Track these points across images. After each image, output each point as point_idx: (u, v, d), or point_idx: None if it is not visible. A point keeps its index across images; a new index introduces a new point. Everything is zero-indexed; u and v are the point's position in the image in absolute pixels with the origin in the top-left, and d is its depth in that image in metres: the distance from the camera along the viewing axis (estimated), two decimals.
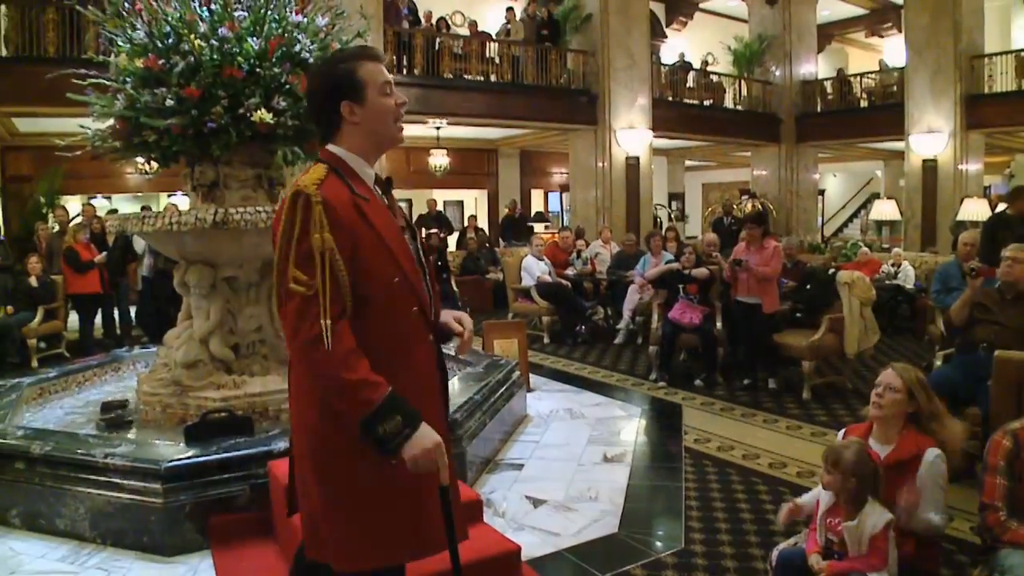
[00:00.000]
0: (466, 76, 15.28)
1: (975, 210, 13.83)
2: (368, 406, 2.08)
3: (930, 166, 16.27)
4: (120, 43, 5.32)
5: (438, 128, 15.81)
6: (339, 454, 2.22)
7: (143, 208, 11.75)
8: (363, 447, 2.16)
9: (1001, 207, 10.58)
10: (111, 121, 5.36)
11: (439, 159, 17.03)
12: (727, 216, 14.59)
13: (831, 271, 8.38)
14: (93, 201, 16.27)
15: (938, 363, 5.94)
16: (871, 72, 20.24)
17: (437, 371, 2.46)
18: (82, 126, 5.57)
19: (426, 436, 2.13)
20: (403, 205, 17.19)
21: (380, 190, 2.37)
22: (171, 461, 4.23)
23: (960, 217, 14.03)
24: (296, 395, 2.33)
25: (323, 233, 2.10)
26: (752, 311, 7.68)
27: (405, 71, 14.20)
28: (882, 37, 23.34)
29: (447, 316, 2.54)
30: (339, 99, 2.27)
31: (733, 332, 8.13)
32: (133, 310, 11.49)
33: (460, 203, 21.95)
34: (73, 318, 10.67)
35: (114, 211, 13.61)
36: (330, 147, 2.33)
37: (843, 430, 3.58)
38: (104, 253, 10.47)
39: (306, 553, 2.37)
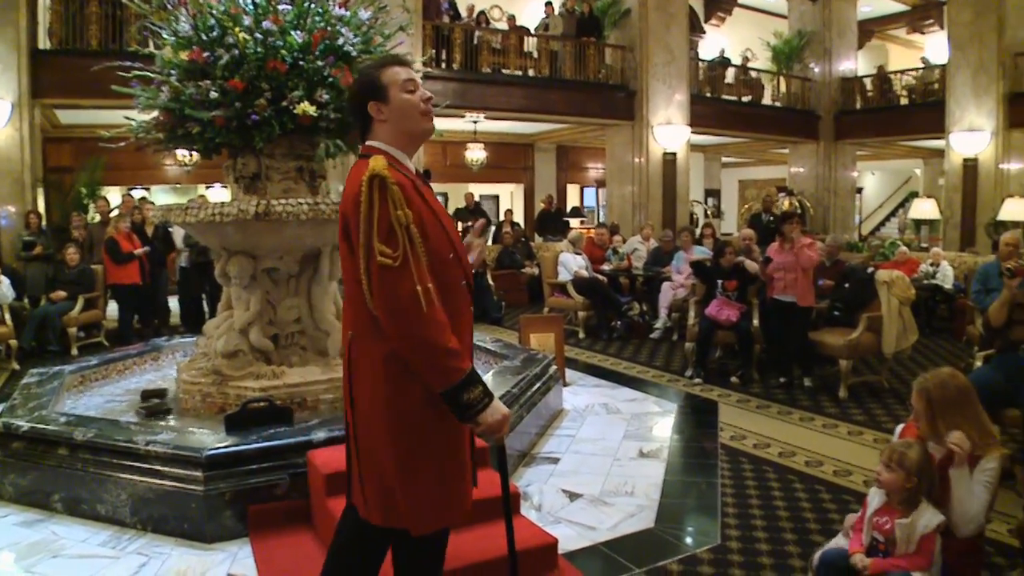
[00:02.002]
0: (504, 71, 15.29)
1: (1016, 210, 13.65)
2: (460, 374, 2.35)
3: (971, 165, 16.02)
4: (165, 36, 5.39)
5: (475, 122, 15.81)
6: (411, 424, 2.44)
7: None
8: (428, 416, 2.43)
9: None
10: (155, 113, 5.43)
11: (476, 153, 17.04)
12: (766, 213, 14.43)
13: (869, 270, 8.30)
14: (132, 192, 16.48)
15: (978, 364, 5.87)
16: (912, 69, 19.97)
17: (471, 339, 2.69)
18: (127, 117, 5.65)
19: (499, 407, 2.43)
20: (439, 199, 17.56)
21: (422, 180, 2.59)
22: (212, 449, 4.29)
23: (1001, 217, 13.85)
24: (362, 370, 2.49)
25: (404, 210, 2.34)
26: (788, 309, 7.63)
27: (444, 65, 14.23)
28: (923, 34, 23.02)
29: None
30: (366, 100, 2.56)
31: (769, 330, 8.08)
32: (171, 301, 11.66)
33: (496, 197, 21.98)
34: (112, 307, 10.81)
35: (149, 201, 13.77)
36: (370, 142, 2.58)
37: (900, 427, 3.56)
38: (146, 247, 10.59)
39: (379, 522, 2.54)
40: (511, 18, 16.99)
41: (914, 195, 22.91)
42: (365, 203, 2.33)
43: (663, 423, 6.59)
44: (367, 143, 2.58)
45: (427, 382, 2.36)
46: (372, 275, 2.33)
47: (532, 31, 16.58)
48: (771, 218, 13.90)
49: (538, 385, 6.10)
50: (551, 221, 17.33)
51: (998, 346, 5.45)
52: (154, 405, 5.51)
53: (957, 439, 3.10)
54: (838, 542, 3.35)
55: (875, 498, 3.19)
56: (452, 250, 2.51)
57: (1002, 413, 5.12)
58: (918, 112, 18.26)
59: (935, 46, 20.96)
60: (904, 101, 19.33)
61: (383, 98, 2.54)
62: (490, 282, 12.74)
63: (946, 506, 3.09)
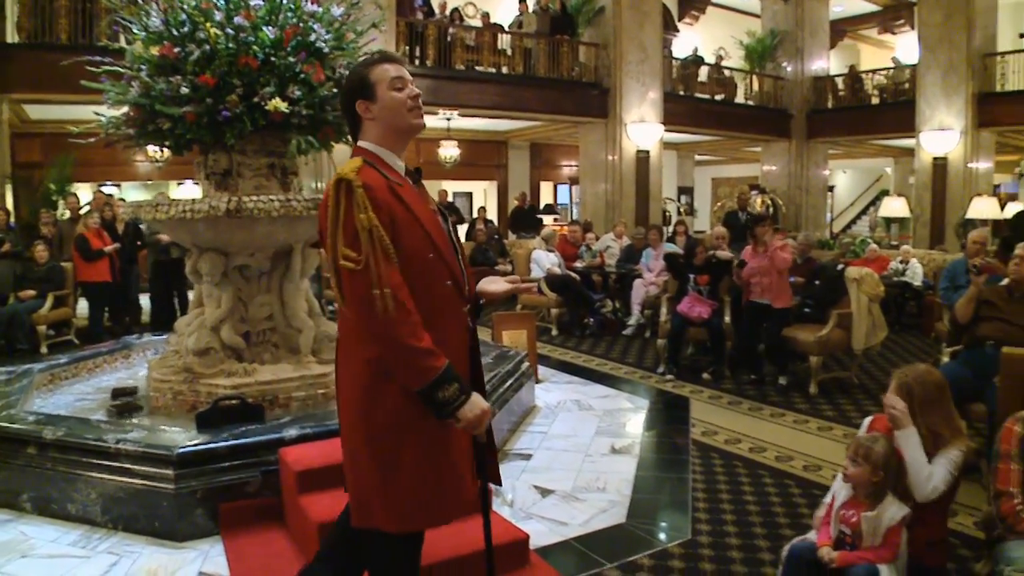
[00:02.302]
0: (478, 68, 15.28)
1: (984, 208, 13.85)
2: (432, 373, 2.34)
3: (940, 164, 16.24)
4: (135, 31, 5.34)
5: (449, 119, 15.78)
6: (385, 425, 2.45)
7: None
8: (406, 417, 2.44)
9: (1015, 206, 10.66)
10: (125, 108, 5.38)
11: (449, 150, 17.05)
12: (742, 211, 14.43)
13: (840, 267, 8.37)
14: (102, 189, 16.32)
15: (945, 359, 5.95)
16: (883, 69, 20.17)
17: (468, 340, 2.65)
18: (96, 113, 5.59)
19: (478, 402, 2.42)
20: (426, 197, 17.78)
21: (411, 180, 2.61)
22: (183, 447, 4.27)
23: (969, 215, 14.04)
24: (343, 371, 2.58)
25: (367, 213, 2.33)
26: (765, 311, 7.67)
27: (417, 62, 14.21)
28: (895, 34, 23.26)
29: (487, 283, 2.75)
30: (354, 99, 2.57)
31: (741, 328, 8.12)
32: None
33: (469, 195, 21.97)
34: (83, 305, 10.72)
35: (119, 198, 13.61)
36: (360, 143, 2.59)
37: (868, 419, 3.61)
38: (116, 244, 10.49)
39: (353, 523, 2.55)
40: (485, 15, 16.99)
41: (885, 193, 23.14)
42: (332, 207, 2.37)
43: (635, 419, 6.62)
44: (357, 144, 2.58)
45: (403, 381, 2.37)
46: (341, 278, 2.36)
47: (506, 28, 16.59)
48: (747, 216, 13.96)
49: (510, 382, 6.11)
50: (524, 218, 17.35)
51: (965, 342, 5.52)
52: (125, 403, 5.47)
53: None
54: (810, 536, 3.39)
55: (842, 492, 3.24)
56: (432, 250, 2.48)
57: (969, 408, 5.19)
58: (889, 111, 18.48)
59: (906, 46, 21.18)
60: (875, 100, 19.57)
61: (371, 96, 2.54)
62: None
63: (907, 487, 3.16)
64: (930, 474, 3.12)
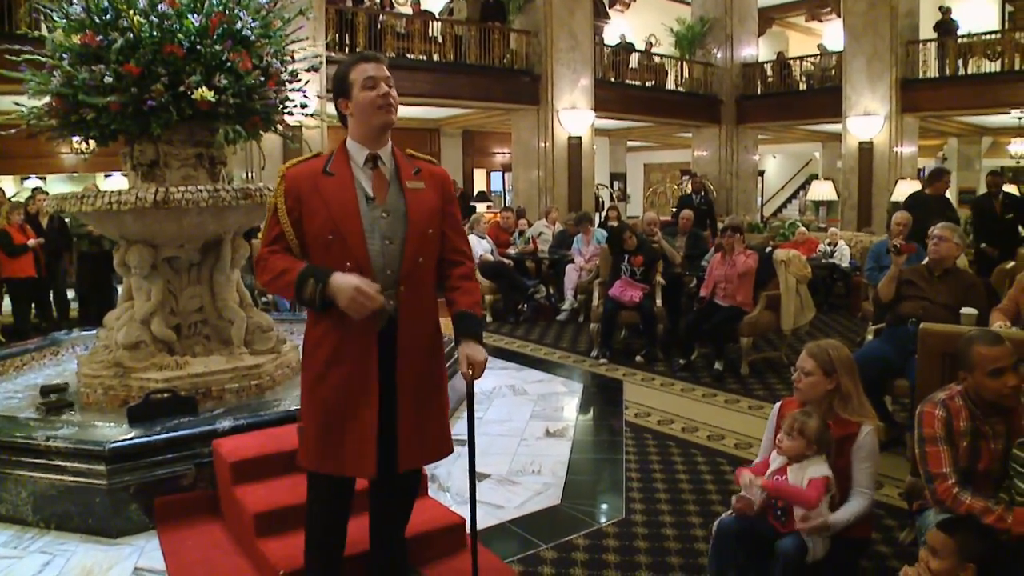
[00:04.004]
0: (409, 55, 15.18)
1: (908, 191, 14.19)
2: (291, 286, 2.73)
3: (866, 148, 16.64)
4: (56, 18, 5.22)
5: None
6: (302, 375, 2.95)
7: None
8: (309, 375, 2.89)
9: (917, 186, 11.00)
10: (47, 98, 5.25)
11: None
12: (696, 194, 14.29)
13: (768, 249, 8.52)
14: (26, 182, 15.96)
15: (869, 337, 6.11)
16: (810, 56, 20.55)
17: (378, 325, 2.85)
18: (17, 103, 5.45)
19: (341, 281, 2.65)
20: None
21: (370, 165, 2.87)
22: (115, 442, 4.21)
23: (894, 198, 14.41)
24: None
25: (276, 199, 2.82)
26: (726, 311, 7.70)
27: (347, 50, 14.08)
28: (821, 21, 23.72)
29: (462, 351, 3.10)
30: (337, 98, 2.86)
31: (674, 311, 8.19)
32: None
33: None
34: (7, 302, 10.45)
35: (43, 191, 13.26)
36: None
37: (779, 403, 3.68)
38: (41, 238, 10.24)
39: None
40: (415, 2, 16.86)
41: (814, 177, 23.63)
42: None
43: (569, 403, 6.70)
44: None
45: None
46: None
47: (437, 15, 16.52)
48: (703, 200, 13.97)
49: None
50: None
51: (888, 320, 5.67)
52: (54, 400, 5.36)
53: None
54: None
55: (774, 461, 3.33)
56: (332, 234, 2.77)
57: (892, 384, 5.34)
58: (816, 97, 18.87)
59: (832, 34, 21.59)
60: (803, 87, 19.94)
61: (348, 95, 2.82)
62: None
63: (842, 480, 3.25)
64: (861, 509, 3.24)
